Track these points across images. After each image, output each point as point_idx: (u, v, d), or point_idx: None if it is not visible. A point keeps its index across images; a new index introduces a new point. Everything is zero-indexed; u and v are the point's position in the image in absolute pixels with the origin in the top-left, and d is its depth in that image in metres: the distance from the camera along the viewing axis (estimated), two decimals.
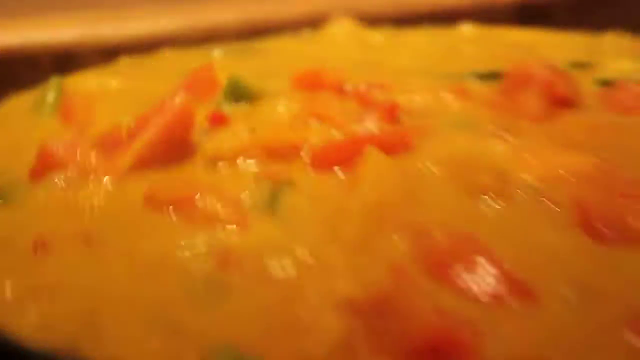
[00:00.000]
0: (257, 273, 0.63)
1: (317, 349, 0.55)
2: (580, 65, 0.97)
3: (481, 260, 0.62)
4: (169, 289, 0.62)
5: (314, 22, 1.23)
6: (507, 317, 0.57)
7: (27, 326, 0.61)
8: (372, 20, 1.20)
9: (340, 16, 1.20)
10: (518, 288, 0.60)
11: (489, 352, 0.53)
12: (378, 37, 1.17)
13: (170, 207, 0.72)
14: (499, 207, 0.70)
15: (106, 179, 0.77)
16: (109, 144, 0.82)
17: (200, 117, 0.86)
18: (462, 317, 0.57)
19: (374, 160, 0.73)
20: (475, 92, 0.90)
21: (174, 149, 0.81)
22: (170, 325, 0.59)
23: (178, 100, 0.81)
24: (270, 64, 1.07)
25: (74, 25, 1.29)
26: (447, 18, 1.35)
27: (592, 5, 1.40)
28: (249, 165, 0.79)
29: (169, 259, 0.66)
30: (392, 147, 0.78)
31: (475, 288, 0.60)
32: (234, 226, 0.69)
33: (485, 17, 1.35)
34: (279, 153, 0.80)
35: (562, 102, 0.85)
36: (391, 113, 0.85)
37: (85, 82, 1.01)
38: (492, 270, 0.61)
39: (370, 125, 0.84)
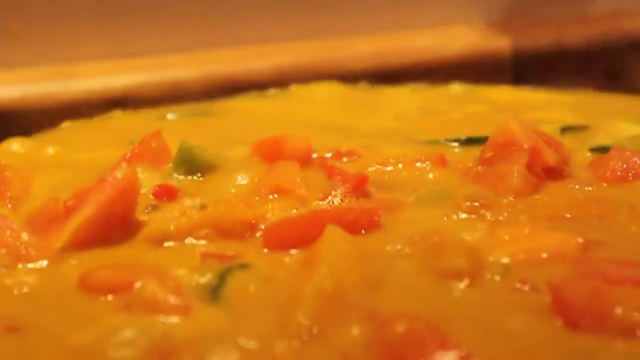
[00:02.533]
0: None
1: None
2: (574, 129, 1.02)
3: (445, 355, 0.66)
4: None
5: (284, 81, 1.29)
6: None
7: None
8: (350, 76, 1.25)
9: (315, 73, 1.25)
10: None
11: None
12: (354, 97, 1.22)
13: (108, 292, 0.77)
14: (469, 293, 0.74)
15: (38, 260, 0.82)
16: (44, 221, 0.87)
17: (148, 190, 0.91)
18: None
19: (333, 240, 0.78)
20: (454, 161, 0.95)
21: (115, 226, 0.85)
22: None
23: (121, 173, 0.86)
24: (232, 128, 1.12)
25: (13, 85, 1.34)
26: (437, 69, 1.41)
27: (601, 54, 1.45)
28: (198, 244, 0.84)
29: (102, 350, 0.70)
30: (357, 225, 0.83)
31: None
32: (176, 315, 0.73)
33: (480, 68, 1.41)
34: (232, 232, 0.85)
35: (548, 172, 0.90)
36: (359, 185, 0.90)
37: (21, 151, 1.06)
38: None
39: (336, 199, 0.89)
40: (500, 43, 1.47)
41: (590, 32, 1.50)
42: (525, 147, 0.89)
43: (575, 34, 1.50)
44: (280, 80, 1.30)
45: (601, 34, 1.50)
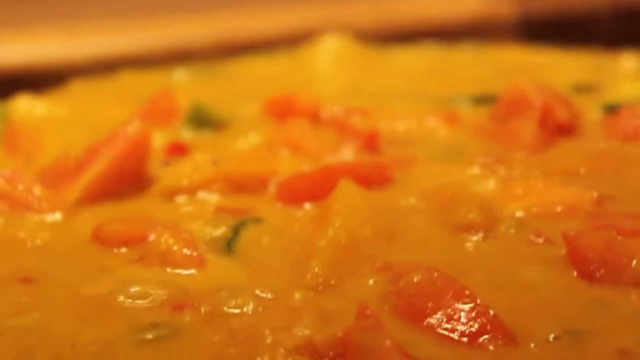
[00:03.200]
0: (212, 315, 0.67)
1: None
2: (585, 89, 1.02)
3: (461, 304, 0.66)
4: (114, 331, 0.66)
5: (292, 40, 1.29)
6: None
7: None
8: (359, 37, 1.25)
9: (322, 33, 1.25)
10: (500, 333, 0.64)
11: None
12: (363, 56, 1.22)
13: (121, 245, 0.77)
14: (484, 245, 0.74)
15: (52, 213, 0.83)
16: (56, 176, 0.87)
17: (158, 146, 0.91)
18: None
19: (347, 194, 0.78)
20: (466, 118, 0.95)
21: (127, 181, 0.86)
22: None
23: (132, 128, 0.86)
24: (241, 87, 1.12)
25: (22, 44, 1.34)
26: (445, 34, 1.41)
27: (610, 19, 1.45)
28: (211, 199, 0.84)
29: (116, 300, 0.70)
30: (370, 179, 0.83)
31: (451, 334, 0.64)
32: (191, 267, 0.73)
33: (487, 33, 1.41)
34: (244, 186, 0.85)
35: (560, 129, 0.90)
36: (371, 142, 0.90)
37: (32, 109, 1.06)
38: (473, 315, 0.65)
39: (347, 155, 0.89)
40: (508, 7, 1.47)
41: None
42: (537, 104, 0.89)
43: None
44: (289, 40, 1.30)
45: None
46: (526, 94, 0.91)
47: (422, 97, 1.02)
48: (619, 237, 0.70)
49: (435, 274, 0.69)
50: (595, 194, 0.78)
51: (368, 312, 0.64)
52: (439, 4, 1.48)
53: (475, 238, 0.75)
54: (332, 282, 0.70)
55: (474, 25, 1.43)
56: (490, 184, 0.82)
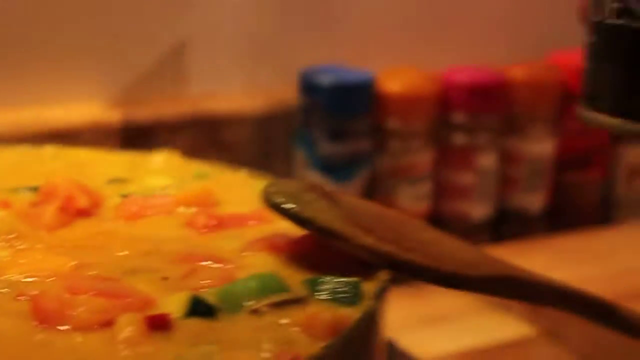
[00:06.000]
0: None
1: None
2: (117, 181, 1.20)
3: None
4: None
5: None
6: None
7: None
8: None
9: None
10: None
11: None
12: None
13: None
14: None
15: None
16: None
17: None
18: None
19: None
20: (17, 204, 1.11)
21: None
22: None
23: None
24: None
25: None
26: (69, 138, 1.58)
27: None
28: None
29: None
30: None
31: None
32: None
33: (99, 137, 1.60)
34: None
35: (80, 213, 1.09)
36: None
37: None
38: None
39: None
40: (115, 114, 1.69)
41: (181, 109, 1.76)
42: (62, 193, 1.08)
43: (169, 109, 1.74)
44: None
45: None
46: (56, 185, 1.09)
47: None
48: (70, 294, 0.89)
49: None
50: (74, 262, 0.97)
51: None
52: (63, 110, 1.66)
53: None
54: None
55: (89, 130, 1.62)
56: (2, 254, 0.99)
